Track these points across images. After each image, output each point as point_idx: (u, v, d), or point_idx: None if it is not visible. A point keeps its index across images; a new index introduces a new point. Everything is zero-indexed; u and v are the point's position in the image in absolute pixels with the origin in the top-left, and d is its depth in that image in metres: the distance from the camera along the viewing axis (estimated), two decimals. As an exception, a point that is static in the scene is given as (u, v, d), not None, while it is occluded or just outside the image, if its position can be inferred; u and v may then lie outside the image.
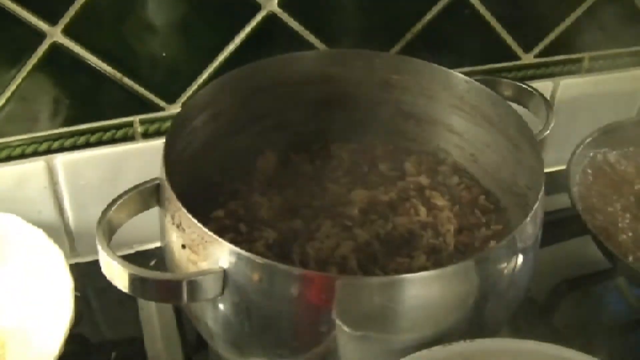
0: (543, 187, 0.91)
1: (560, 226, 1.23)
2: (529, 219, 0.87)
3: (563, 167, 1.24)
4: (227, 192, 1.09)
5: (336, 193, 1.10)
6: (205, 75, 1.15)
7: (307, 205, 1.08)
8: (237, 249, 0.82)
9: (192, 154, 1.04)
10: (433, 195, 1.10)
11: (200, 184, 1.06)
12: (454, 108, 1.14)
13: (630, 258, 1.14)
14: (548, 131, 1.08)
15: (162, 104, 1.16)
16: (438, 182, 1.14)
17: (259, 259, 0.81)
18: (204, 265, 0.84)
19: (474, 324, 0.88)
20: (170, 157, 0.92)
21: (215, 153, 1.09)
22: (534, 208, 0.88)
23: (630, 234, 1.19)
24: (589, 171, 1.29)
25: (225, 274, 0.83)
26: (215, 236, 0.82)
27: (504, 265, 0.87)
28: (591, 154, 1.31)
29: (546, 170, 1.33)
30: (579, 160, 1.27)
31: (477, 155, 1.16)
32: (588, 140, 1.30)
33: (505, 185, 1.10)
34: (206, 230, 0.83)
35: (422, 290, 0.83)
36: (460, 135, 1.17)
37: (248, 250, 0.91)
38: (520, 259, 0.89)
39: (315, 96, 1.15)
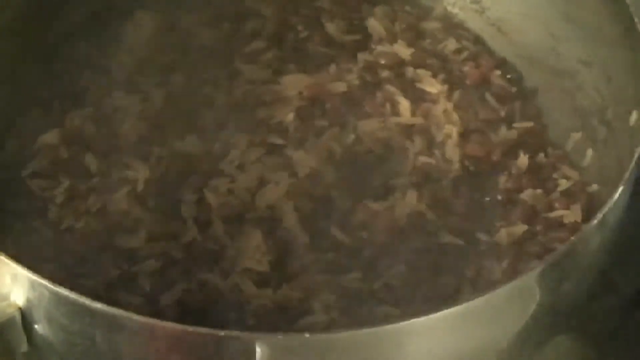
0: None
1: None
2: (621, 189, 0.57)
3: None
4: (68, 93, 0.79)
5: (255, 80, 0.80)
6: None
7: (206, 105, 0.78)
8: (34, 276, 0.48)
9: (5, 27, 0.76)
10: (419, 76, 0.81)
11: (23, 81, 0.77)
12: None
13: None
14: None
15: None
16: (424, 50, 0.85)
17: (75, 297, 0.47)
18: None
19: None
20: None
21: (47, 24, 0.80)
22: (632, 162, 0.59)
23: None
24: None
25: (24, 318, 0.52)
26: None
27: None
28: None
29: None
30: None
31: (484, 2, 0.88)
32: None
33: (535, 53, 0.84)
34: None
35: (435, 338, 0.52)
36: None
37: (102, 209, 0.69)
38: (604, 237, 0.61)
39: None
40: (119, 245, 0.66)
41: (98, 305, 0.46)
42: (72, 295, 0.47)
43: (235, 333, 0.45)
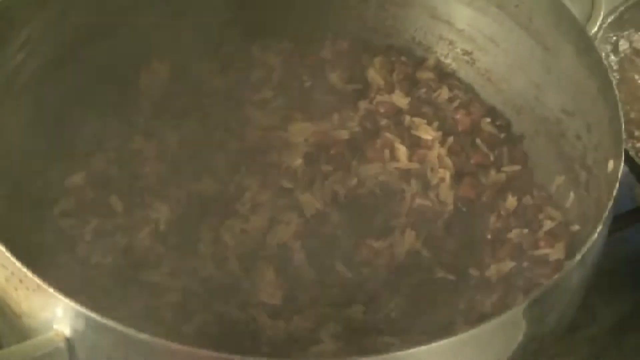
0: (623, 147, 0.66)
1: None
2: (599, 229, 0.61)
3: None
4: (90, 137, 0.79)
5: (265, 127, 0.82)
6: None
7: (219, 149, 0.80)
8: (83, 309, 0.50)
9: (31, 78, 0.76)
10: (415, 124, 0.83)
11: (48, 127, 0.78)
12: (438, -18, 0.87)
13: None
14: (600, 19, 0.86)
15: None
16: (420, 99, 0.86)
17: (116, 325, 0.50)
18: (32, 323, 0.55)
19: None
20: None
21: (69, 73, 0.80)
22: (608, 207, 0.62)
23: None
24: (613, 66, 0.98)
25: (70, 347, 0.53)
26: (37, 280, 0.52)
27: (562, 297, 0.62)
28: (614, 39, 0.99)
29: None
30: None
31: (475, 54, 0.89)
32: (610, 19, 0.99)
33: (521, 102, 0.86)
34: (23, 268, 0.52)
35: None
36: (449, 24, 0.89)
37: (127, 246, 0.71)
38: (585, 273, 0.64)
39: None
40: (143, 279, 0.68)
41: (144, 336, 0.48)
42: (119, 326, 0.49)
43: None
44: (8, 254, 0.52)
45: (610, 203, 0.62)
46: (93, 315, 0.50)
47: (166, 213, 0.72)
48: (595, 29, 0.98)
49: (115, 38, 0.84)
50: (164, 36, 0.86)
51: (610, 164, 0.67)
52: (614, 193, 0.63)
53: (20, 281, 0.52)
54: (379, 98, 0.85)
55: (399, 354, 0.53)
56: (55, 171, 0.76)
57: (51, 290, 0.50)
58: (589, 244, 0.60)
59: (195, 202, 0.74)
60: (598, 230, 0.61)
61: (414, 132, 0.82)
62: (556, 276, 0.59)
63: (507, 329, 0.58)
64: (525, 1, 0.80)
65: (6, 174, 0.72)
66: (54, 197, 0.74)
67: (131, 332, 0.49)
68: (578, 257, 0.59)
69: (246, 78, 0.86)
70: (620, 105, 0.67)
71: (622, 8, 1.01)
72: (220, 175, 0.77)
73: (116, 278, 0.68)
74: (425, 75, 0.89)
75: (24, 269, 0.51)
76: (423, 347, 0.53)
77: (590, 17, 0.85)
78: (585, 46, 0.74)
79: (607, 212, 0.62)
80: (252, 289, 0.68)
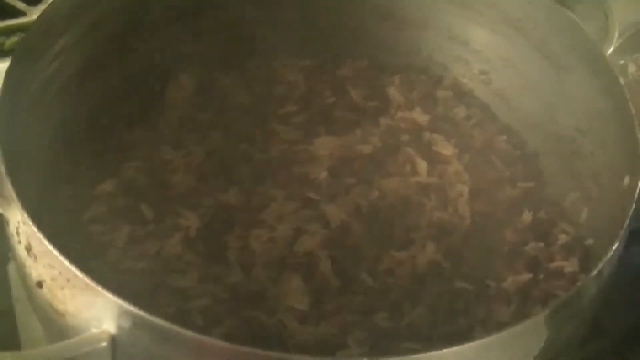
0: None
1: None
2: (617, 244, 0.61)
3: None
4: (119, 146, 0.80)
5: (289, 140, 0.83)
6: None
7: (245, 161, 0.80)
8: (130, 307, 0.51)
9: (63, 87, 0.77)
10: (435, 140, 0.84)
11: (78, 135, 0.79)
12: (454, 4, 0.88)
13: None
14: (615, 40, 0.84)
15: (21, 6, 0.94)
16: (438, 116, 0.87)
17: (164, 323, 0.51)
18: (75, 322, 0.55)
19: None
20: (15, 104, 0.66)
21: (99, 84, 0.81)
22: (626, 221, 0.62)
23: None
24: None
25: (114, 344, 0.53)
26: (87, 279, 0.52)
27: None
28: (621, 62, 0.98)
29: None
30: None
31: (491, 73, 0.90)
32: (619, 42, 0.97)
33: (536, 120, 0.87)
34: (72, 267, 0.53)
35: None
36: (465, 45, 0.90)
37: (157, 252, 0.71)
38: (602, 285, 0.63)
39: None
40: (172, 284, 0.68)
41: (190, 333, 0.49)
42: (167, 324, 0.50)
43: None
44: (57, 254, 0.53)
45: (628, 218, 0.62)
46: (141, 313, 0.50)
47: (195, 221, 0.72)
48: (611, 50, 0.99)
49: (144, 51, 0.85)
50: (191, 51, 0.88)
51: (626, 180, 0.68)
52: (632, 208, 0.63)
53: (68, 280, 0.53)
54: (399, 115, 0.86)
55: (428, 354, 0.53)
56: (85, 178, 0.76)
57: (100, 289, 0.51)
58: (606, 258, 0.60)
59: (223, 212, 0.75)
60: (615, 245, 0.61)
61: (433, 148, 0.83)
62: (576, 286, 0.59)
63: (529, 336, 0.58)
64: (542, 23, 0.81)
65: (37, 180, 0.73)
66: (84, 204, 0.74)
67: (178, 329, 0.49)
68: (596, 270, 0.59)
69: (270, 93, 0.87)
70: (636, 122, 0.68)
71: (631, 31, 1.03)
72: (246, 186, 0.77)
73: (146, 283, 0.68)
74: (444, 93, 0.90)
75: (73, 269, 0.52)
76: (448, 350, 0.53)
77: (605, 39, 0.85)
78: (601, 66, 0.74)
79: (625, 227, 0.62)
80: (280, 295, 0.68)
